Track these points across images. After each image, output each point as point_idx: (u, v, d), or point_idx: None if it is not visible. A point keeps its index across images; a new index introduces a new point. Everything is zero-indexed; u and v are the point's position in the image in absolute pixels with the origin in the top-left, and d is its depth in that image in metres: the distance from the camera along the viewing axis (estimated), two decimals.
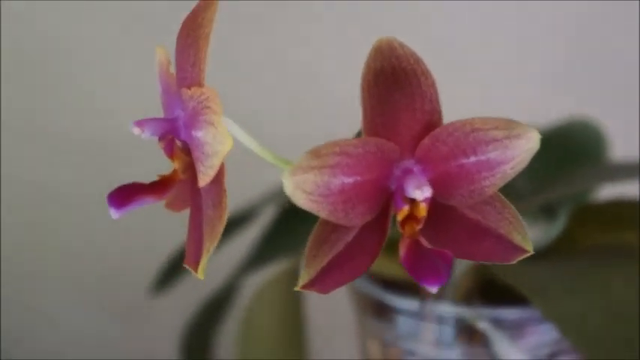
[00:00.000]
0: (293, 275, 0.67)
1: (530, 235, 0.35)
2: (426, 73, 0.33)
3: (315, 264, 0.34)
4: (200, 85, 0.36)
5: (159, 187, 0.38)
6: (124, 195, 0.38)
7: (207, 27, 0.36)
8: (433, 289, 0.32)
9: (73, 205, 1.00)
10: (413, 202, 0.33)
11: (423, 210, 0.34)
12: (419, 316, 0.60)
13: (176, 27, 0.38)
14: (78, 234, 1.01)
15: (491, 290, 0.60)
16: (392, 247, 0.63)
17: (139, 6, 0.93)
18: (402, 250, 0.34)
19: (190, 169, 0.38)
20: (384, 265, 0.61)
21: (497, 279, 0.59)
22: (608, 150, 0.72)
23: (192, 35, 0.37)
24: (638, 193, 0.64)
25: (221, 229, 0.37)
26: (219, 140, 0.34)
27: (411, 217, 0.34)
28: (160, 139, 0.38)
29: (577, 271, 0.56)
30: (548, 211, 0.64)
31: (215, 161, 0.35)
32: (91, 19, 0.95)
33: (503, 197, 0.35)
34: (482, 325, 0.58)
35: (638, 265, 0.56)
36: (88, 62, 0.96)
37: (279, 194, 0.69)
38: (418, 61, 0.33)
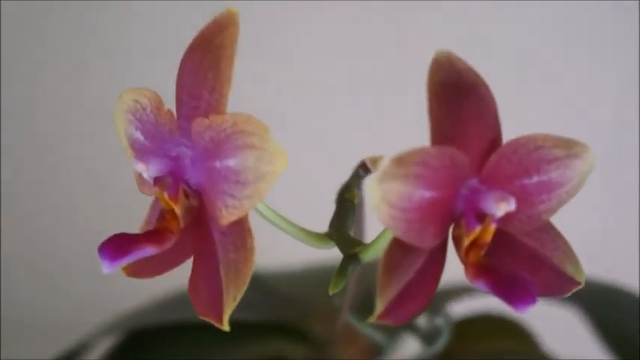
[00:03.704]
0: None
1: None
2: (487, 87, 0.32)
3: (389, 292, 0.30)
4: (220, 112, 0.32)
5: (157, 236, 0.33)
6: (119, 246, 0.32)
7: (229, 47, 0.32)
8: (525, 311, 0.29)
9: None
10: (483, 222, 0.31)
11: (490, 233, 0.31)
12: None
13: None
14: None
15: None
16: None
17: None
18: (475, 276, 0.30)
19: (191, 214, 0.33)
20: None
21: None
22: None
23: (209, 58, 0.32)
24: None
25: (249, 272, 0.32)
26: (268, 160, 0.30)
27: (475, 243, 0.31)
28: (156, 182, 0.33)
29: None
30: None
31: (261, 187, 0.30)
32: None
33: (554, 225, 0.33)
34: None
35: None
36: None
37: (117, 326, 0.62)
38: (477, 74, 0.32)
